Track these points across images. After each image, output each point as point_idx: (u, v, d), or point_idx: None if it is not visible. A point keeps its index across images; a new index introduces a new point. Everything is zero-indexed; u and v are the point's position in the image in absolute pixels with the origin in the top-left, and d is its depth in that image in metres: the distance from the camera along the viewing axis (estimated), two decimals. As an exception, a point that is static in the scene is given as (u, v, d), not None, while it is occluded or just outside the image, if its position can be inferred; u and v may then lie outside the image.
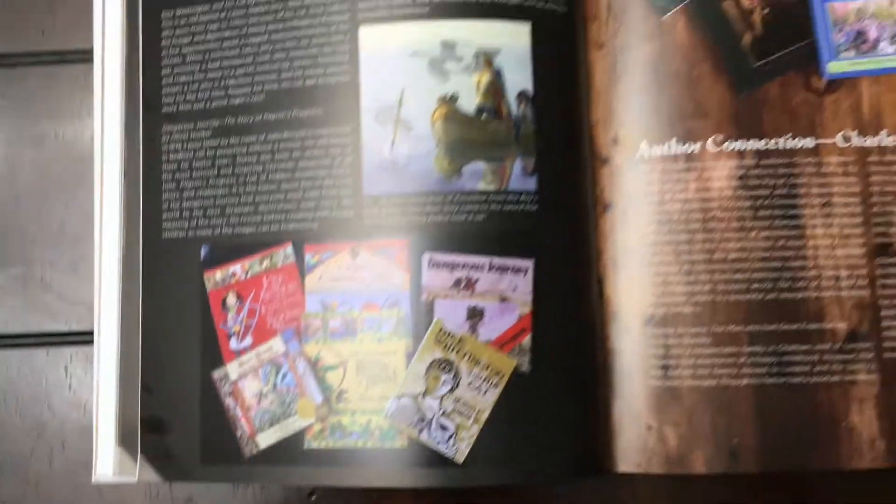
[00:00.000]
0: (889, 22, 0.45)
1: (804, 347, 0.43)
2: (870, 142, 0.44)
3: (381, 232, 0.43)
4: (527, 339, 0.42)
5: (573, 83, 0.45)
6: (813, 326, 0.43)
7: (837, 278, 0.43)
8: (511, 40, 0.43)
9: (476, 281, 0.42)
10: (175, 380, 0.45)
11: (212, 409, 0.44)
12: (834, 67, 0.44)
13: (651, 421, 0.43)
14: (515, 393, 0.42)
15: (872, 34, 0.45)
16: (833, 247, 0.43)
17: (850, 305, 0.43)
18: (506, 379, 0.42)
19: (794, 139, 0.44)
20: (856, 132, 0.44)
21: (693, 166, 0.44)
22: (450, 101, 0.43)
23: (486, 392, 0.41)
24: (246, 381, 0.44)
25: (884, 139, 0.44)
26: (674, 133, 0.44)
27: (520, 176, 0.43)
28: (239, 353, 0.44)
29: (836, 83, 0.44)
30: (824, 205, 0.44)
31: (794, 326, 0.43)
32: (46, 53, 0.50)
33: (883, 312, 0.43)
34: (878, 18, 0.45)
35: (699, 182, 0.44)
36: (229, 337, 0.44)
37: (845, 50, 0.45)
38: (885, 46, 0.44)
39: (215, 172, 0.45)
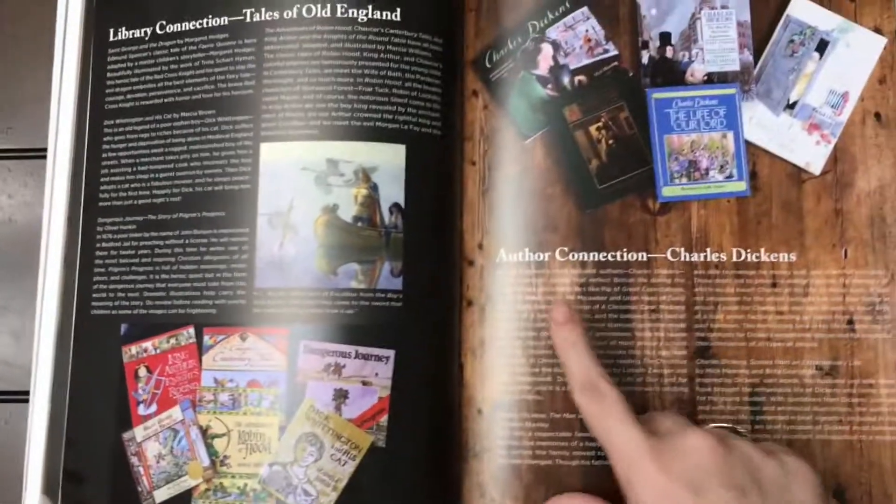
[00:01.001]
0: (719, 153, 0.51)
1: (628, 436, 0.49)
2: (696, 257, 0.51)
3: (267, 320, 0.50)
4: (384, 419, 0.49)
5: (444, 195, 0.52)
6: (636, 418, 0.49)
7: (661, 376, 0.50)
8: (387, 159, 0.51)
9: (343, 366, 0.49)
10: (93, 438, 0.52)
11: (120, 466, 0.51)
12: (668, 192, 0.51)
13: (494, 494, 0.49)
14: (371, 465, 0.48)
15: (704, 164, 0.51)
16: (658, 348, 0.50)
17: (671, 400, 0.49)
18: (363, 452, 0.48)
19: (629, 253, 0.51)
20: (683, 248, 0.51)
21: (542, 272, 0.51)
22: (331, 210, 0.50)
23: (345, 463, 0.48)
24: (149, 443, 0.51)
25: (708, 255, 0.51)
26: (527, 243, 0.51)
27: (387, 277, 0.50)
28: (145, 418, 0.51)
29: (669, 205, 0.51)
30: (653, 311, 0.50)
31: (620, 417, 0.49)
32: (9, 150, 0.58)
33: (699, 407, 0.49)
34: (710, 150, 0.51)
35: (546, 286, 0.51)
36: (138, 404, 0.51)
37: (679, 177, 0.51)
38: (714, 175, 0.51)
39: (137, 261, 0.53)
